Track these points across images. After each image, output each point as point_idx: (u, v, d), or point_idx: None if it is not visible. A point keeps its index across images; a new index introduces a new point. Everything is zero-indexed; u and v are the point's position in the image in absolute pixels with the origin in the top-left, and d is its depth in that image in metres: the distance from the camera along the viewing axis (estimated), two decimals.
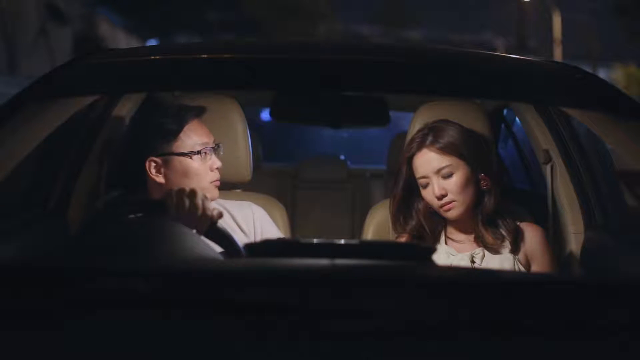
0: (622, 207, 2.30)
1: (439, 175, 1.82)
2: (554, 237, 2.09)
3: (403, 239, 1.92)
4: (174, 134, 1.79)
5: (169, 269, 1.03)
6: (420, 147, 1.85)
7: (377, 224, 2.04)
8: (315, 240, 1.10)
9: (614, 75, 19.97)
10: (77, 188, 2.13)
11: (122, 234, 1.25)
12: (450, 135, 1.84)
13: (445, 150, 1.82)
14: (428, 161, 1.83)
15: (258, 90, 2.35)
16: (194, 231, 1.45)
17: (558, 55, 22.23)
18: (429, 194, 1.84)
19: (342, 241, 1.13)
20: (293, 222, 2.13)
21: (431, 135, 1.85)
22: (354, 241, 1.44)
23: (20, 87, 1.56)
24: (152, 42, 19.52)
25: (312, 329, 0.89)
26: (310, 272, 0.99)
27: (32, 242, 1.86)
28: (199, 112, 1.85)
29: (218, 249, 1.37)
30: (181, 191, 1.56)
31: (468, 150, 1.83)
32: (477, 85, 1.56)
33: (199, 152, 1.79)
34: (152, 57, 1.63)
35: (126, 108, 2.29)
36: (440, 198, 1.81)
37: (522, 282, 1.09)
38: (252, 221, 1.94)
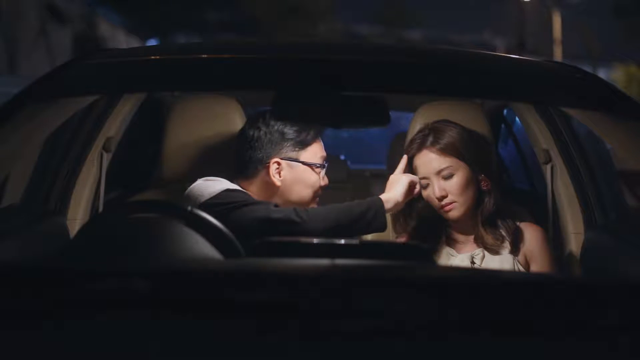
0: (622, 207, 2.30)
1: (439, 176, 1.81)
2: (554, 237, 2.09)
3: (403, 239, 1.92)
4: (306, 144, 1.87)
5: (169, 269, 1.03)
6: (420, 148, 1.85)
7: None
8: (315, 240, 1.10)
9: (614, 75, 19.94)
10: (77, 188, 2.14)
11: (122, 234, 1.25)
12: (450, 136, 1.84)
13: (446, 151, 1.82)
14: (428, 162, 1.83)
15: (258, 90, 2.35)
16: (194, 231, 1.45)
17: (558, 55, 22.22)
18: (430, 195, 1.84)
19: (342, 241, 1.13)
20: None
21: (432, 136, 1.85)
22: (354, 241, 1.44)
23: (20, 87, 1.56)
24: (152, 42, 19.51)
25: (312, 329, 0.89)
26: (311, 272, 0.99)
27: (32, 242, 1.86)
28: (321, 131, 1.95)
29: (218, 249, 1.37)
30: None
31: (468, 151, 1.83)
32: (477, 85, 1.56)
33: (322, 166, 1.89)
34: (152, 57, 1.63)
35: (126, 108, 2.29)
36: (440, 199, 1.81)
37: (522, 282, 1.10)
38: None
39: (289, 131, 1.85)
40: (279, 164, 1.84)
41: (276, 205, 1.75)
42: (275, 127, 1.85)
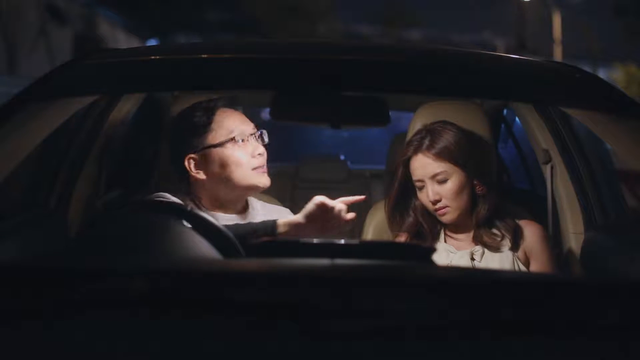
0: (622, 207, 2.29)
1: (434, 180, 1.83)
2: (554, 237, 2.09)
3: (402, 238, 1.92)
4: (206, 126, 1.79)
5: (169, 269, 1.03)
6: (416, 151, 1.86)
7: (377, 224, 2.04)
8: (315, 240, 1.10)
9: (614, 75, 19.93)
10: (77, 188, 2.13)
11: (122, 234, 1.25)
12: (447, 140, 1.84)
13: (441, 155, 1.82)
14: (423, 166, 1.84)
15: (258, 90, 2.35)
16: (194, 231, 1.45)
17: (558, 55, 22.22)
18: (424, 197, 1.85)
19: (342, 241, 1.13)
20: None
21: (428, 139, 1.85)
22: (354, 241, 1.44)
23: (20, 87, 1.56)
24: (152, 42, 19.51)
25: (312, 329, 0.89)
26: (310, 272, 0.98)
27: (32, 242, 1.85)
28: (229, 102, 1.85)
29: (218, 249, 1.37)
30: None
31: (464, 155, 1.83)
32: (477, 85, 1.56)
33: (232, 139, 1.78)
34: (152, 57, 1.63)
35: (126, 108, 2.29)
36: (434, 203, 1.82)
37: (522, 282, 1.09)
38: None
39: (183, 125, 1.82)
40: (192, 159, 1.79)
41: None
42: (175, 128, 1.83)
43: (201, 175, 1.80)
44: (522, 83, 1.59)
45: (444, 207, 1.82)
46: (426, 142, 1.85)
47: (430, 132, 1.86)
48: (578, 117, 1.93)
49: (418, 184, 1.86)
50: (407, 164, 1.88)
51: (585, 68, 1.82)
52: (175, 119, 1.88)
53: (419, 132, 1.90)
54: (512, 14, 27.07)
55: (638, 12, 21.23)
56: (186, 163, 1.80)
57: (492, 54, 1.85)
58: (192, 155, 1.80)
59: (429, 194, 1.82)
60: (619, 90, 1.63)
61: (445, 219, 1.84)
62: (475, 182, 1.84)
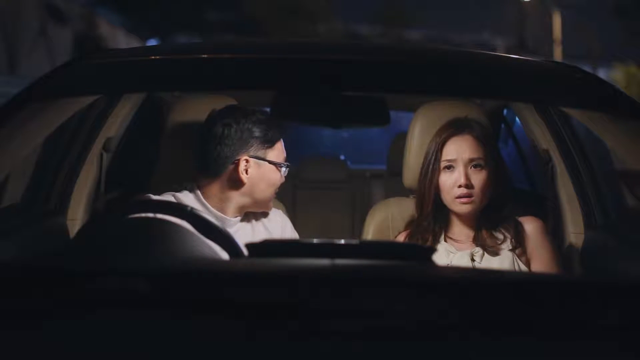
0: (622, 207, 2.30)
1: (469, 164, 1.81)
2: (554, 237, 2.09)
3: (402, 237, 1.92)
4: (272, 143, 1.88)
5: (169, 269, 1.03)
6: (457, 133, 1.84)
7: (377, 224, 2.04)
8: (315, 240, 1.10)
9: (614, 75, 19.93)
10: (77, 188, 2.14)
11: (122, 234, 1.25)
12: (486, 130, 1.85)
13: (482, 142, 1.82)
14: (463, 148, 1.82)
15: (258, 90, 2.35)
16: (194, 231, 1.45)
17: (558, 55, 22.23)
18: (450, 180, 1.82)
19: (342, 241, 1.13)
20: (293, 222, 2.13)
21: (469, 126, 1.85)
22: (354, 241, 1.44)
23: (20, 87, 1.56)
24: (152, 42, 19.50)
25: (312, 329, 0.89)
26: (310, 272, 0.98)
27: (32, 242, 1.86)
28: (285, 131, 1.97)
29: (218, 249, 1.38)
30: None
31: (497, 150, 1.85)
32: (477, 85, 1.56)
33: (286, 166, 1.91)
34: (152, 57, 1.63)
35: (126, 108, 2.30)
36: (462, 186, 1.79)
37: (522, 282, 1.09)
38: (280, 228, 2.00)
39: (257, 129, 1.86)
40: (247, 161, 1.86)
41: None
42: (245, 125, 1.85)
43: (244, 178, 1.86)
44: (522, 83, 1.59)
45: (468, 197, 1.79)
46: (468, 128, 1.85)
47: (469, 120, 1.87)
48: (578, 117, 1.93)
49: (447, 163, 1.82)
50: (440, 147, 1.85)
51: (585, 68, 1.82)
52: (232, 119, 1.87)
53: (457, 117, 1.89)
54: (512, 14, 27.08)
55: (638, 12, 21.24)
56: (240, 161, 1.84)
57: (492, 54, 1.85)
58: (249, 159, 1.86)
59: (460, 177, 1.79)
60: (619, 90, 1.63)
61: (462, 209, 1.81)
62: (498, 180, 1.84)
